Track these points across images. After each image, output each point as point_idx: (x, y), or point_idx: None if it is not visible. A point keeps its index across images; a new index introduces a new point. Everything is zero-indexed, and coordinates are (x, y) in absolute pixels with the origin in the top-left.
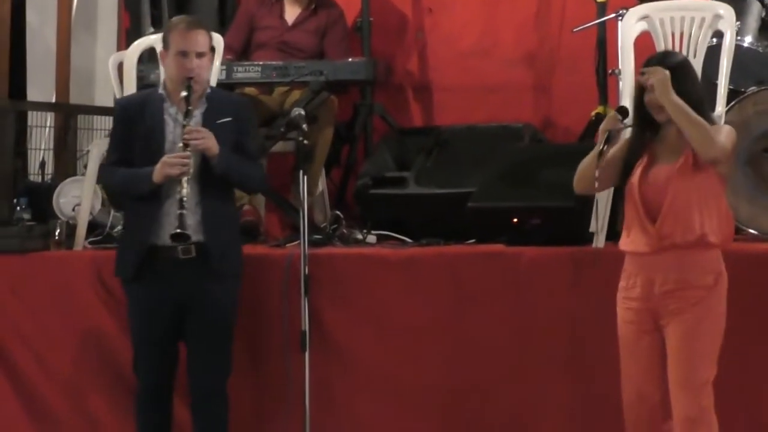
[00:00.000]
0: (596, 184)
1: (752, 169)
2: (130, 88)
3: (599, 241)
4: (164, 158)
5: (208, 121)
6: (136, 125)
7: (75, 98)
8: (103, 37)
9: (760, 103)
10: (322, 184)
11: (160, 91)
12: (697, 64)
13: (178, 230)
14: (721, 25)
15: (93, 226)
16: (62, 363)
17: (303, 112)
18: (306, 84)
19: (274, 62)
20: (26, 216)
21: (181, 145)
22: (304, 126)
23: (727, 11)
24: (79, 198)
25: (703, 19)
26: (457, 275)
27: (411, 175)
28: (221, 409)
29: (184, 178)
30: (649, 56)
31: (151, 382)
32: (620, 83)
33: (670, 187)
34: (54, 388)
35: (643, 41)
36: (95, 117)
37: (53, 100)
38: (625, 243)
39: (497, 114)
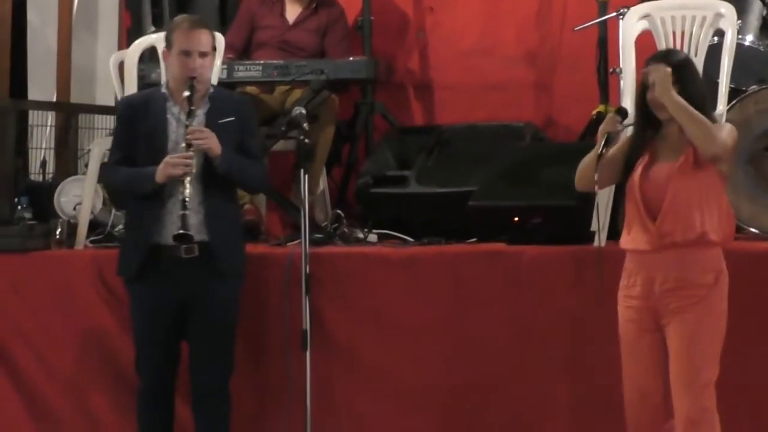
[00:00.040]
0: (596, 187)
1: (753, 168)
2: (131, 87)
3: (600, 240)
4: (167, 158)
5: (211, 121)
6: (139, 124)
7: (76, 97)
8: (104, 36)
9: (761, 101)
10: (323, 183)
11: (163, 90)
12: (699, 63)
13: (181, 231)
14: (723, 24)
15: (94, 225)
16: (63, 362)
17: (304, 111)
18: (307, 83)
19: (275, 61)
20: (27, 215)
21: (183, 145)
22: (305, 125)
23: (729, 10)
24: (80, 197)
25: (704, 18)
26: (458, 274)
27: (412, 174)
28: (223, 408)
29: (187, 179)
30: (652, 54)
31: (153, 381)
32: (621, 82)
33: (670, 185)
34: (55, 388)
35: (644, 40)
36: (96, 116)
37: (54, 100)
38: (626, 241)
39: (498, 113)
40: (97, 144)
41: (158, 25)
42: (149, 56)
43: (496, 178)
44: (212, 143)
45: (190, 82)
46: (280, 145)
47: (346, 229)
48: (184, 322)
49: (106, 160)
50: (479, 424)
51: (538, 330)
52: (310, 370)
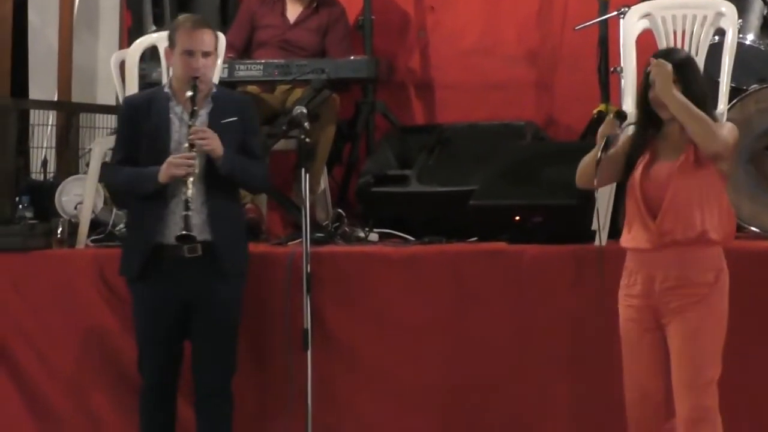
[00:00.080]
0: (596, 191)
1: (754, 167)
2: (132, 86)
3: (601, 239)
4: (170, 159)
5: (213, 121)
6: (142, 124)
7: (77, 97)
8: (105, 36)
9: (762, 100)
10: (324, 183)
11: (166, 90)
12: (699, 62)
13: (184, 232)
14: (723, 23)
15: (95, 225)
16: (64, 361)
17: (305, 111)
18: (308, 82)
19: (275, 60)
20: (28, 214)
21: (186, 145)
22: (306, 124)
23: (729, 9)
24: (81, 196)
25: (705, 17)
26: (459, 273)
27: (413, 173)
28: (226, 407)
29: (190, 179)
30: (653, 53)
31: (155, 381)
32: (622, 81)
33: (671, 183)
34: (57, 387)
35: (645, 39)
36: (97, 115)
37: (55, 99)
38: (626, 240)
39: (499, 112)
40: (98, 143)
41: (159, 25)
42: (150, 55)
43: (497, 178)
44: (214, 144)
45: (193, 82)
46: (281, 145)
47: (347, 229)
48: (186, 322)
49: (107, 159)
50: (479, 424)
51: (539, 329)
52: (311, 369)
